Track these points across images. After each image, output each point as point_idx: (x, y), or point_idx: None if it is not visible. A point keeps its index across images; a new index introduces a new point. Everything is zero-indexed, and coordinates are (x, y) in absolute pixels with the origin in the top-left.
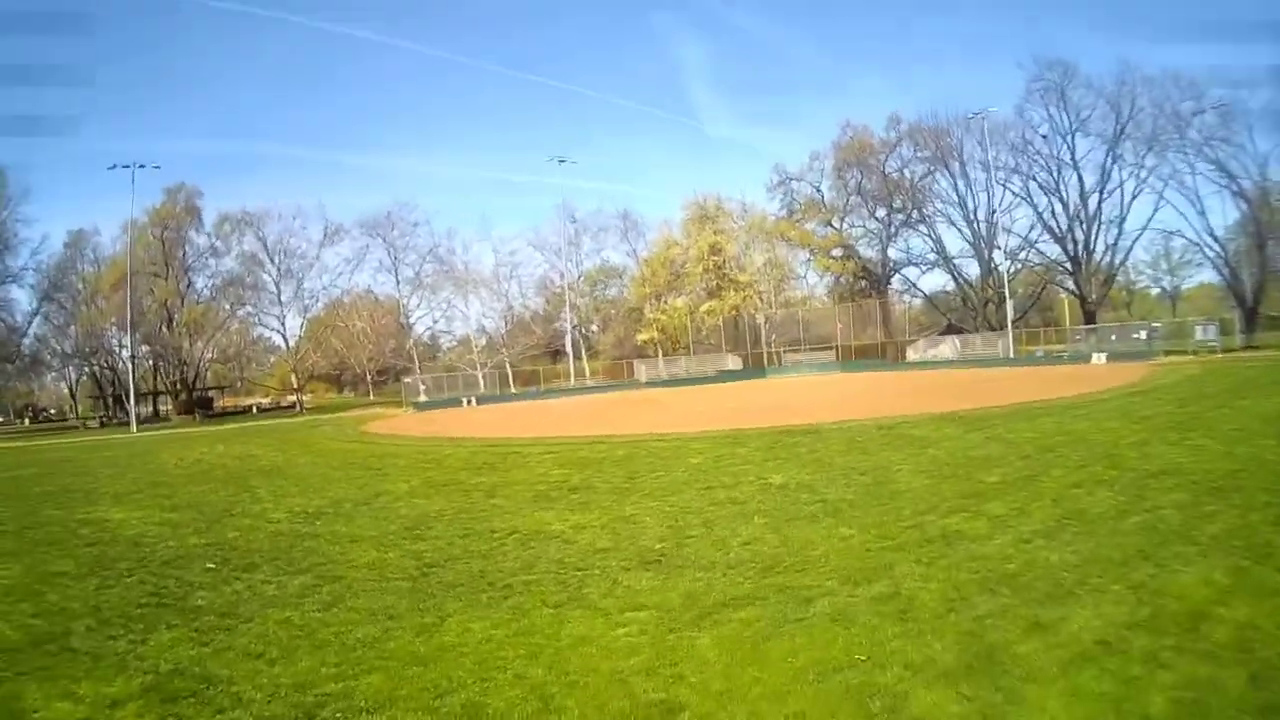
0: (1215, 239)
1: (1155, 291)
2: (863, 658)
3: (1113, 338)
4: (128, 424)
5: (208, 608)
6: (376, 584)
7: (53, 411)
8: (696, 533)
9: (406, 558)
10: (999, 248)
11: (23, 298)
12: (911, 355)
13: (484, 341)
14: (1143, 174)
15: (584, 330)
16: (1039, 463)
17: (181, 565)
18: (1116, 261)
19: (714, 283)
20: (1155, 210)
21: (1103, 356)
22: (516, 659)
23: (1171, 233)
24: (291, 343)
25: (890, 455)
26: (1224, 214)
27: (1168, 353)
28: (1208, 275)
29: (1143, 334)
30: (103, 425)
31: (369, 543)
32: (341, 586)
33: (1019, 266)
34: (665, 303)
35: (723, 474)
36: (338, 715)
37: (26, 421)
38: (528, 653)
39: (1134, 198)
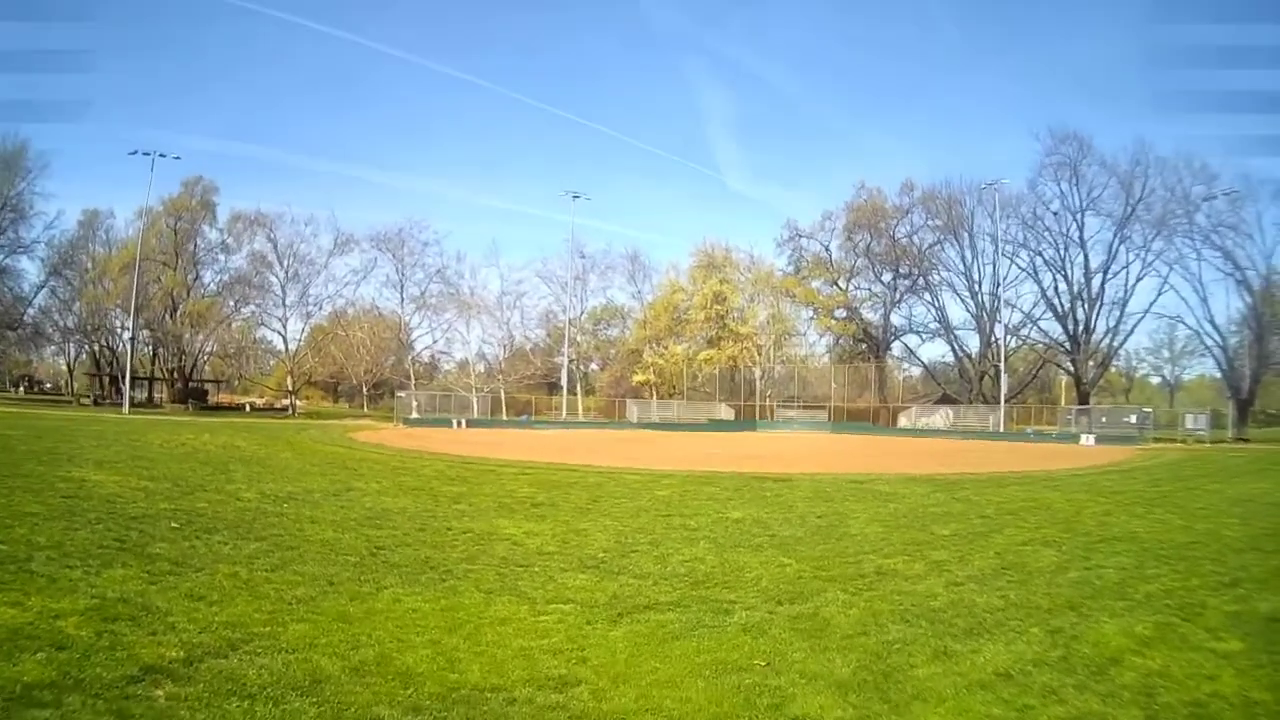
0: (1216, 328)
1: (1156, 380)
2: (763, 663)
3: (1103, 420)
4: (120, 405)
5: (163, 556)
6: (326, 557)
7: (48, 385)
8: (642, 549)
9: (360, 540)
10: (1000, 322)
11: (32, 269)
12: (903, 421)
13: (481, 367)
14: (1149, 257)
15: (582, 367)
16: (996, 523)
17: (148, 522)
18: (1115, 344)
19: (714, 332)
20: (1158, 294)
21: (1091, 438)
22: (436, 628)
23: (1173, 318)
24: (291, 346)
25: (852, 505)
26: (1227, 303)
27: (1156, 439)
28: (1208, 366)
29: (1133, 419)
30: (96, 403)
31: (328, 524)
32: (293, 555)
33: (1019, 343)
34: (664, 347)
35: (684, 506)
36: (259, 650)
37: (21, 391)
38: (448, 625)
39: (1138, 280)
